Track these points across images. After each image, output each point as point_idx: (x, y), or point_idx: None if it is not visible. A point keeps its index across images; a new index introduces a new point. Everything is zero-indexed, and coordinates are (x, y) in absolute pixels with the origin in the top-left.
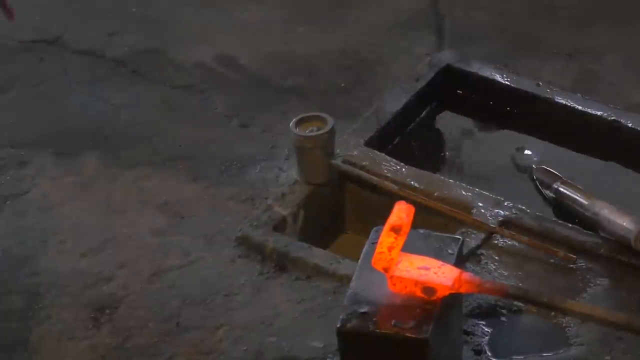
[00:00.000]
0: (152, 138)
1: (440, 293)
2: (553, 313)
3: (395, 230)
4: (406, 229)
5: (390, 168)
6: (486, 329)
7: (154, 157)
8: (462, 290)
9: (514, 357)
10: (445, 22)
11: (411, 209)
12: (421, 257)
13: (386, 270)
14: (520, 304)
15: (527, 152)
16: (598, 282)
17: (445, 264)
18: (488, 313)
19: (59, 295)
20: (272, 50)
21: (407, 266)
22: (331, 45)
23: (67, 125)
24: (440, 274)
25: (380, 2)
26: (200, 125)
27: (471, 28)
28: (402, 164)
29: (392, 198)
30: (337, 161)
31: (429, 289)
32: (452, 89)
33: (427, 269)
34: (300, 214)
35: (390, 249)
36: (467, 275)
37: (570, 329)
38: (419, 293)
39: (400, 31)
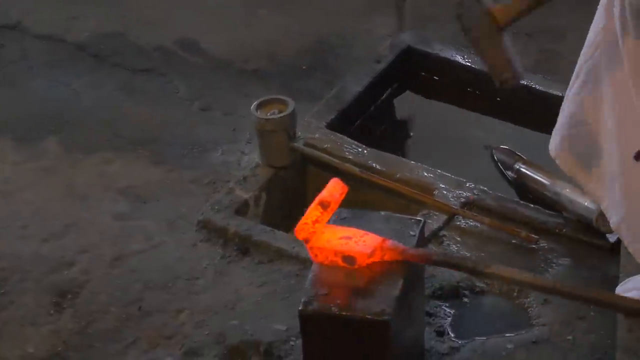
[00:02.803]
0: (114, 122)
1: (360, 261)
2: (515, 294)
3: (324, 205)
4: (335, 205)
5: (352, 150)
6: (448, 311)
7: (116, 142)
8: (387, 257)
9: (477, 338)
10: (406, 4)
11: (344, 188)
12: (345, 227)
13: (307, 241)
14: (481, 284)
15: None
16: (560, 261)
17: (368, 233)
18: (450, 294)
19: (21, 280)
20: (233, 34)
21: (329, 237)
22: (292, 28)
23: (28, 110)
24: (361, 243)
25: None
26: (162, 109)
27: (432, 9)
28: (363, 146)
29: (353, 180)
30: (299, 144)
31: (348, 258)
32: (414, 70)
33: (349, 238)
34: (262, 197)
35: (314, 222)
36: (389, 242)
37: (532, 309)
38: (340, 262)
39: (361, 13)
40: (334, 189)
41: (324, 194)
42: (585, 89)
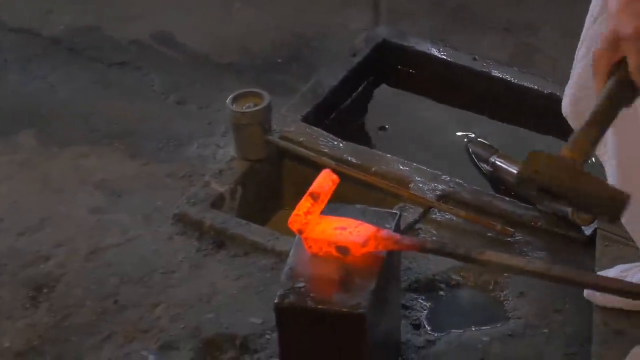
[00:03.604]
0: (89, 116)
1: (354, 251)
2: (491, 287)
3: (314, 196)
4: (325, 197)
5: (327, 143)
6: (424, 303)
7: (91, 135)
8: (381, 247)
9: (453, 330)
10: None
11: (335, 179)
12: (341, 218)
13: (300, 232)
14: (457, 277)
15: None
16: (535, 254)
17: (363, 223)
18: (426, 287)
19: None
20: (209, 27)
21: (324, 227)
22: (268, 21)
23: (3, 104)
24: (355, 233)
25: None
26: (137, 103)
27: (408, 3)
28: (339, 139)
29: None
30: (274, 137)
31: (342, 248)
32: (389, 64)
33: (344, 228)
34: (237, 191)
35: (306, 213)
36: (383, 232)
37: (508, 302)
38: (334, 253)
39: (337, 6)
40: (324, 180)
41: (314, 185)
42: (589, 56)
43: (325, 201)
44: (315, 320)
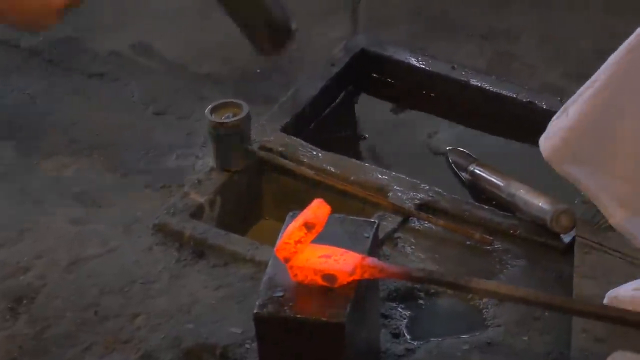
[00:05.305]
0: (69, 127)
1: (342, 280)
2: (470, 296)
3: (308, 227)
4: (319, 228)
5: (307, 153)
6: (404, 312)
7: (71, 147)
8: (367, 275)
9: (432, 339)
10: (360, 6)
11: (328, 209)
12: (325, 246)
13: (287, 260)
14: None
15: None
16: (515, 263)
17: (348, 251)
18: (406, 296)
19: None
20: (188, 37)
21: (309, 255)
22: None
23: None
24: (341, 261)
25: None
26: (117, 114)
27: (386, 12)
28: (318, 149)
29: (308, 183)
30: (253, 147)
31: (329, 276)
32: (368, 73)
33: (328, 256)
34: (217, 201)
35: (297, 242)
36: (369, 260)
37: (487, 310)
38: (320, 281)
39: (316, 16)
40: (318, 210)
41: (309, 214)
42: (604, 93)
43: (319, 231)
44: (294, 330)
